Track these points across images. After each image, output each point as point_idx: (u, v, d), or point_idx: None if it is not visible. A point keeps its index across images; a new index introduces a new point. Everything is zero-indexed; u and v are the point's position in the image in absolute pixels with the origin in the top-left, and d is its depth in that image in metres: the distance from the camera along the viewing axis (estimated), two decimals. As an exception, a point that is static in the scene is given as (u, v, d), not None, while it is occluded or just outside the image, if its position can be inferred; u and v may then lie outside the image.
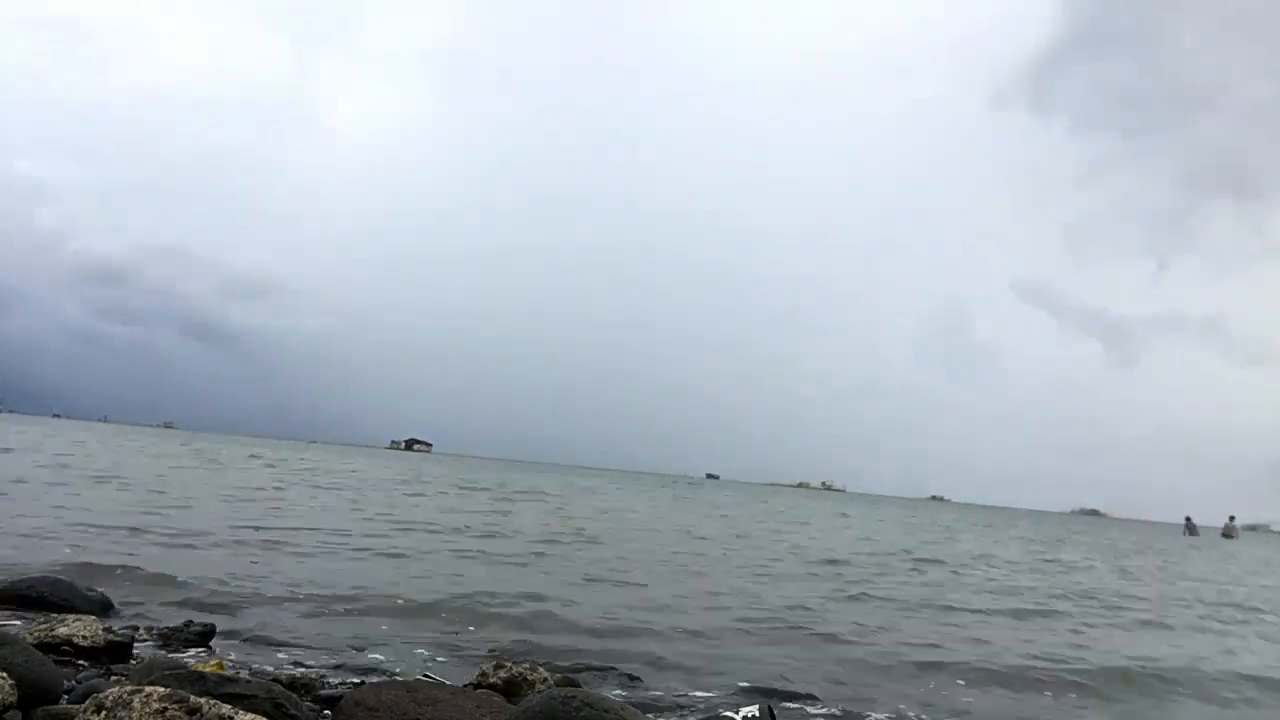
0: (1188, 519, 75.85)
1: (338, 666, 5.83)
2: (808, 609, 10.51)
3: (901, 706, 6.33)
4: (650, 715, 5.12)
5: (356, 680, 5.34)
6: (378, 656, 6.39)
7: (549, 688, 4.89)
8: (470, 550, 13.40)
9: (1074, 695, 7.31)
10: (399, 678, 5.49)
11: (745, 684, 6.44)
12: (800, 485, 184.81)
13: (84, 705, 3.28)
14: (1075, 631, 10.80)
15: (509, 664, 5.51)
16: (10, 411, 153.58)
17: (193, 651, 5.77)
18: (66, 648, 5.12)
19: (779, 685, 6.51)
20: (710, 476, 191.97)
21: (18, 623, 5.89)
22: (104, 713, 3.13)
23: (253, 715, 3.31)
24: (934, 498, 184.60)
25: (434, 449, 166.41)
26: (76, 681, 4.49)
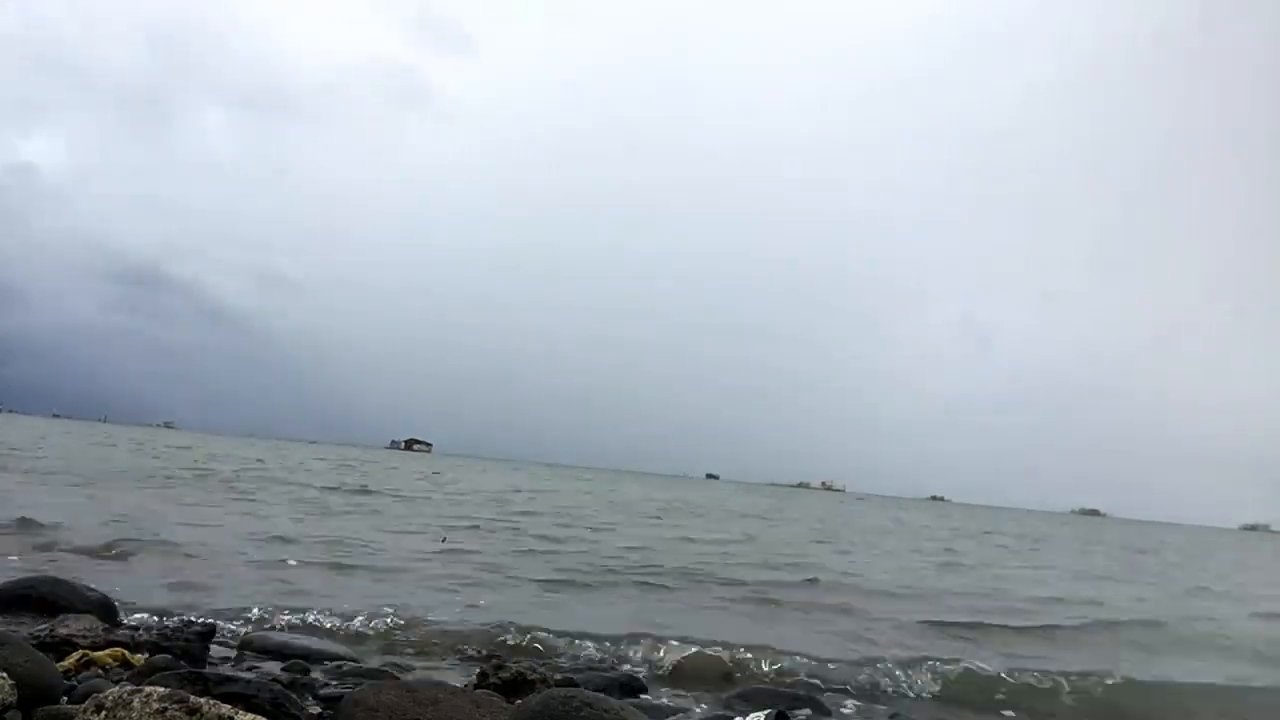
0: None
1: (338, 666, 5.82)
2: None
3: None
4: (650, 716, 5.12)
5: (356, 680, 5.33)
6: (377, 656, 6.39)
7: (549, 688, 4.88)
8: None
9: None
10: (399, 678, 5.48)
11: (749, 686, 6.43)
12: (800, 485, 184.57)
13: (84, 705, 3.27)
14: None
15: (509, 664, 5.51)
16: (10, 411, 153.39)
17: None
18: (66, 648, 5.11)
19: (781, 688, 6.50)
20: (710, 476, 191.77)
21: (19, 623, 5.88)
22: (104, 713, 3.12)
23: (252, 715, 3.30)
24: (934, 498, 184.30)
25: (434, 449, 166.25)
26: (76, 681, 4.48)
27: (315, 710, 4.43)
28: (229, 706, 3.29)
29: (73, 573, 7.44)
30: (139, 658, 5.07)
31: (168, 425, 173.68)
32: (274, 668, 5.60)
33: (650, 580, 11.28)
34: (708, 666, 6.85)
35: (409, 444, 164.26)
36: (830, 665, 7.06)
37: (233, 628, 6.69)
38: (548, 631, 7.27)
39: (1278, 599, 16.36)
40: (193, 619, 6.43)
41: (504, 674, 5.32)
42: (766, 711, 5.14)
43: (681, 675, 6.66)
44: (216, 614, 6.90)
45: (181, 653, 5.32)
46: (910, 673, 7.02)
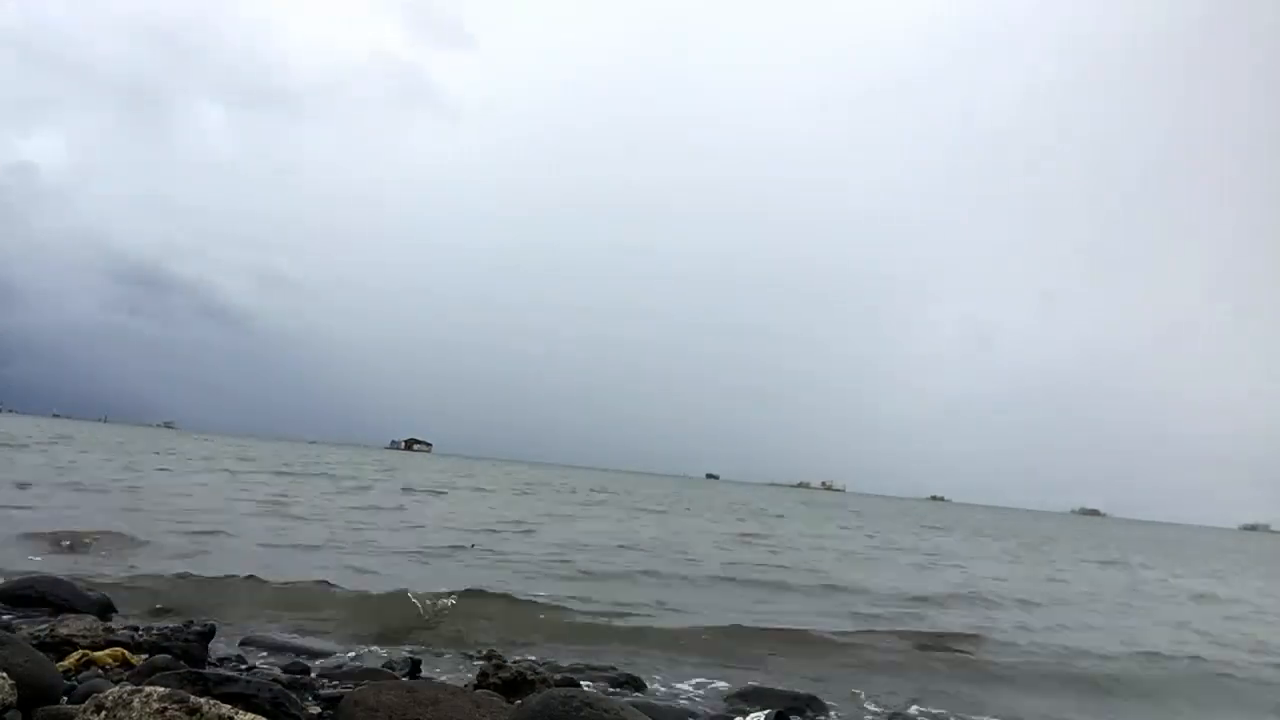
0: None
1: (338, 666, 5.82)
2: None
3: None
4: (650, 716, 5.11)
5: (356, 680, 5.33)
6: (378, 656, 6.38)
7: (549, 688, 4.88)
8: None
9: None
10: (399, 678, 5.48)
11: (747, 686, 6.42)
12: (800, 485, 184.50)
13: (84, 705, 3.27)
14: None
15: (509, 664, 5.51)
16: (10, 411, 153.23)
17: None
18: (66, 648, 5.11)
19: (780, 687, 6.49)
20: (710, 476, 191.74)
21: (19, 623, 5.88)
22: (104, 713, 3.12)
23: (252, 715, 3.30)
24: (934, 498, 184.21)
25: (434, 449, 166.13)
26: (76, 681, 4.48)
27: (315, 710, 4.43)
28: (229, 706, 3.29)
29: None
30: (139, 658, 5.07)
31: (168, 425, 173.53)
32: (274, 668, 5.60)
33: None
34: None
35: (409, 444, 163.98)
36: None
37: (234, 627, 6.68)
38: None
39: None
40: (192, 619, 6.43)
41: (504, 674, 5.32)
42: (766, 712, 5.13)
43: None
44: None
45: (181, 653, 5.32)
46: None
